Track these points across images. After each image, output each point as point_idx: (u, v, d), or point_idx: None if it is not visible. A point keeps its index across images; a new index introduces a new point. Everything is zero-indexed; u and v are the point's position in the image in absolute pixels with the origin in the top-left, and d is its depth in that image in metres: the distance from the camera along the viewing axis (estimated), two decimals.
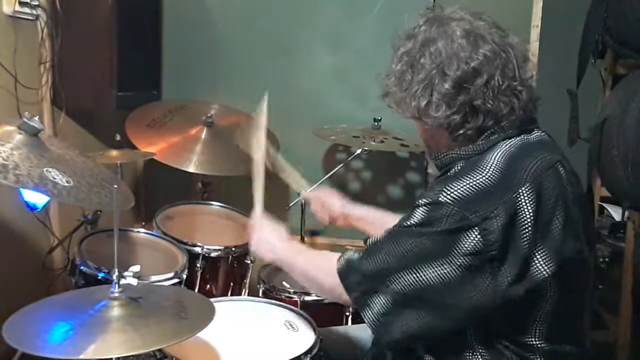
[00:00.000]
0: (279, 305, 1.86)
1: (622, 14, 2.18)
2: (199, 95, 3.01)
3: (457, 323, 1.30)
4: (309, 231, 2.91)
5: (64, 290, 2.24)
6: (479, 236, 1.23)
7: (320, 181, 2.71)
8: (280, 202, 2.92)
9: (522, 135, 1.36)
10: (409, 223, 1.31)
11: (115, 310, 1.32)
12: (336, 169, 2.76)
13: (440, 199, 1.27)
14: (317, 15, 2.98)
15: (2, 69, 2.26)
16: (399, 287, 1.29)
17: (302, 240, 2.77)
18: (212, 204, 2.60)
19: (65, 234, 2.49)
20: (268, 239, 1.70)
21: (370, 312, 1.33)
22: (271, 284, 2.13)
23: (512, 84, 1.32)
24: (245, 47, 3.04)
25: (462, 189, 1.26)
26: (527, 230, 1.25)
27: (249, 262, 2.36)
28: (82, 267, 1.87)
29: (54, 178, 1.49)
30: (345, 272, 1.38)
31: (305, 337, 1.68)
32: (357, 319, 1.98)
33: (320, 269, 1.49)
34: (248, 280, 2.38)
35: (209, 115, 2.68)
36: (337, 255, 1.44)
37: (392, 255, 1.31)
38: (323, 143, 3.00)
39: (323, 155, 3.08)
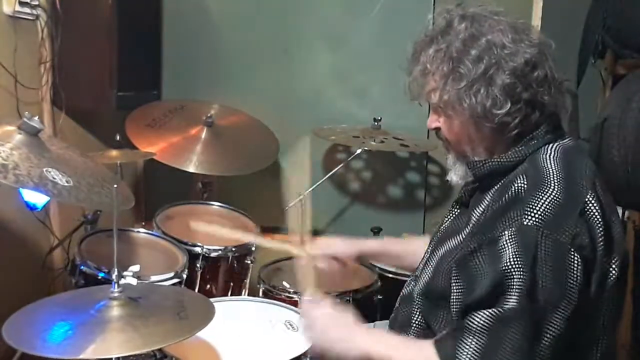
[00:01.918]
0: (279, 305, 1.86)
1: (622, 14, 2.18)
2: (199, 95, 3.00)
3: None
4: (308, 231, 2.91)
5: (64, 290, 2.24)
6: (577, 257, 1.17)
7: (320, 181, 2.71)
8: (280, 202, 2.92)
9: (558, 141, 1.33)
10: (504, 258, 1.17)
11: (115, 310, 1.32)
12: (336, 169, 2.76)
13: (525, 222, 1.18)
14: (317, 15, 2.98)
15: (2, 69, 2.25)
16: (518, 334, 1.15)
17: (302, 240, 2.76)
18: (212, 204, 2.60)
19: (65, 234, 2.49)
20: (337, 330, 1.37)
21: None
22: (271, 284, 2.13)
23: (562, 77, 1.31)
24: (245, 47, 3.03)
25: (542, 206, 1.19)
26: (601, 238, 1.21)
27: (249, 262, 2.36)
28: (82, 267, 1.87)
29: (54, 178, 1.49)
30: None
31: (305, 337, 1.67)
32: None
33: None
34: (248, 280, 2.38)
35: (209, 115, 2.68)
36: (430, 347, 1.24)
37: (517, 340, 1.15)
38: (323, 143, 3.00)
39: (323, 155, 3.08)
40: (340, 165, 2.78)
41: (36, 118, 1.60)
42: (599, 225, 1.22)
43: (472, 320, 1.19)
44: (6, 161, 1.44)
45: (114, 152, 2.37)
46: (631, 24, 2.18)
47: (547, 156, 1.29)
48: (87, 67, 2.53)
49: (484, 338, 1.17)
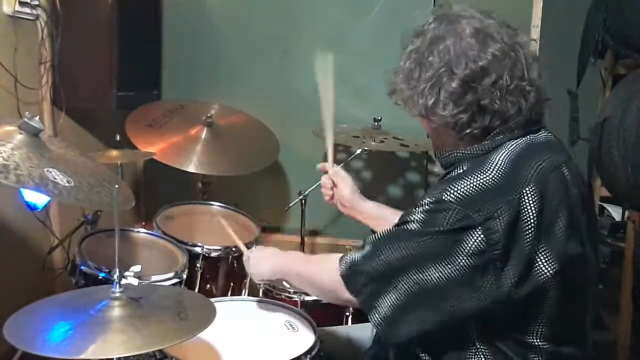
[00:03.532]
0: (279, 305, 1.85)
1: (622, 13, 2.18)
2: (199, 95, 3.01)
3: (459, 323, 1.30)
4: (308, 231, 2.91)
5: (63, 290, 2.24)
6: (482, 236, 1.22)
7: (320, 181, 2.71)
8: (280, 202, 2.93)
9: (528, 136, 1.35)
10: (411, 221, 1.30)
11: (116, 310, 1.32)
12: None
13: (443, 197, 1.26)
14: (317, 15, 2.98)
15: (2, 69, 2.26)
16: (405, 287, 1.29)
17: (302, 240, 2.77)
18: (212, 204, 2.60)
19: (65, 234, 2.49)
20: (264, 255, 1.72)
21: (377, 314, 1.32)
22: (271, 284, 2.12)
23: (521, 84, 1.31)
24: (245, 47, 3.04)
25: (465, 188, 1.26)
26: (529, 231, 1.24)
27: None
28: (82, 267, 1.87)
29: (55, 178, 1.49)
30: (350, 275, 1.37)
31: (305, 337, 1.68)
32: (357, 319, 1.98)
33: (320, 271, 1.49)
34: (248, 280, 2.38)
35: (209, 115, 2.67)
36: (336, 255, 1.43)
37: (396, 255, 1.30)
38: (323, 143, 2.99)
39: (323, 155, 3.07)
40: (340, 165, 2.77)
41: (36, 118, 1.60)
42: (531, 218, 1.24)
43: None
44: (7, 161, 1.44)
45: (114, 152, 2.37)
46: (631, 24, 2.18)
47: (503, 150, 1.32)
48: (87, 67, 2.53)
49: (369, 248, 1.36)
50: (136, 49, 2.65)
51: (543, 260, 1.25)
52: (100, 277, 1.84)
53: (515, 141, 1.34)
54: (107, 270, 1.83)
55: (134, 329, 1.27)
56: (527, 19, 2.75)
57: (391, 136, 2.67)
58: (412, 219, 1.31)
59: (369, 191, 3.08)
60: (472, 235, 1.23)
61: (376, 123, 2.71)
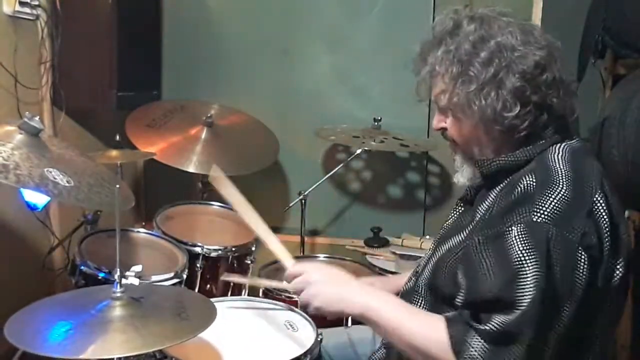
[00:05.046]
0: (279, 305, 1.86)
1: (622, 14, 2.18)
2: (199, 95, 3.01)
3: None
4: (308, 231, 2.91)
5: (64, 290, 2.24)
6: (585, 256, 1.17)
7: (320, 181, 2.71)
8: (280, 202, 2.93)
9: (565, 141, 1.33)
10: (515, 254, 1.16)
11: (117, 310, 1.32)
12: (336, 169, 2.76)
13: (534, 219, 1.18)
14: (317, 15, 2.98)
15: (2, 69, 2.26)
16: (531, 339, 1.16)
17: (302, 240, 2.76)
18: (212, 204, 2.59)
19: (65, 234, 2.49)
20: (335, 287, 1.41)
21: None
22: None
23: (569, 78, 1.31)
24: (245, 47, 3.04)
25: (551, 204, 1.19)
26: (607, 238, 1.22)
27: (249, 262, 2.36)
28: (82, 267, 1.87)
29: (55, 178, 1.49)
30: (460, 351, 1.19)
31: (305, 337, 1.67)
32: (357, 320, 1.98)
33: (428, 340, 1.24)
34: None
35: (209, 115, 2.68)
36: (439, 322, 1.24)
37: (524, 347, 1.16)
38: (323, 143, 3.00)
39: (323, 155, 3.08)
40: (340, 165, 2.78)
41: (36, 118, 1.60)
42: (606, 225, 1.22)
43: (484, 322, 1.18)
44: (7, 161, 1.44)
45: (114, 152, 2.37)
46: (631, 24, 2.18)
47: (556, 156, 1.29)
48: (87, 67, 2.53)
49: (493, 344, 1.17)
50: (136, 49, 2.66)
51: (618, 266, 1.24)
52: (100, 277, 1.84)
53: (558, 146, 1.31)
54: (107, 271, 1.83)
55: (134, 329, 1.27)
56: (527, 19, 2.74)
57: (391, 136, 2.67)
58: (511, 250, 1.16)
59: (369, 191, 3.10)
60: (579, 261, 1.17)
61: (376, 123, 2.71)
